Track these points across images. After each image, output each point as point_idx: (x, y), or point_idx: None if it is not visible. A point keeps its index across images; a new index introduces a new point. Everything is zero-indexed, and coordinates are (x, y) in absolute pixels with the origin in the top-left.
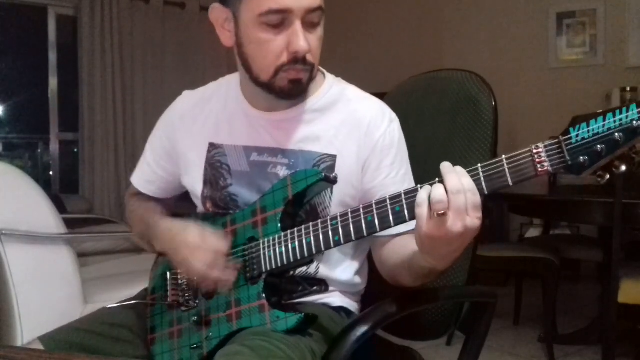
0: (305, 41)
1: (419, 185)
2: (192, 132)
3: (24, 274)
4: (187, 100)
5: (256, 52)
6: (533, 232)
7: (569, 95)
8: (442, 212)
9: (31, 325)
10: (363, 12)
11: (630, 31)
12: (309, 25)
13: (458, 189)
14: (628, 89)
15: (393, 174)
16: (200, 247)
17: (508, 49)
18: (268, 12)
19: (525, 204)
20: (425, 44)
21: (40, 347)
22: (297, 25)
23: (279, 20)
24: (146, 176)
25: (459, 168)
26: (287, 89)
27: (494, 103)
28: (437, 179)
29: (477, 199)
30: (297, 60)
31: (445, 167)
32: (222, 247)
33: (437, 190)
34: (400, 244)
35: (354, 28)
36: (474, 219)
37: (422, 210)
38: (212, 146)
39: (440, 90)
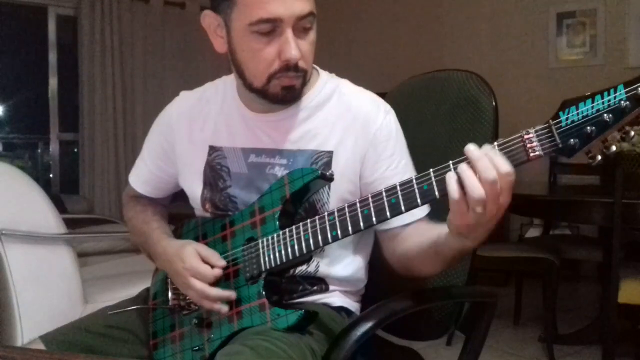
0: (297, 49)
1: (413, 176)
2: (191, 133)
3: (24, 274)
4: (184, 101)
5: (248, 59)
6: (533, 232)
7: (569, 95)
8: (481, 210)
9: (31, 325)
10: (363, 12)
11: (630, 31)
12: (300, 32)
13: (494, 179)
14: None
15: (393, 165)
16: (194, 276)
17: (508, 49)
18: (259, 21)
19: (525, 204)
20: (425, 44)
21: (41, 346)
22: (289, 33)
23: (270, 28)
24: (143, 176)
25: (486, 148)
26: (280, 96)
27: (494, 103)
28: (462, 159)
29: (512, 179)
30: (289, 67)
31: (473, 152)
32: (213, 274)
33: (475, 189)
34: (418, 233)
35: (355, 28)
36: (506, 198)
37: (460, 207)
38: (212, 149)
39: (440, 90)
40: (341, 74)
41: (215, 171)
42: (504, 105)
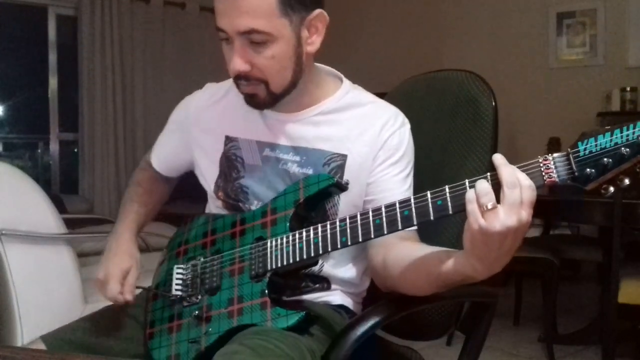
0: (238, 61)
1: (428, 192)
2: (209, 123)
3: (24, 274)
4: (205, 92)
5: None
6: (533, 232)
7: (569, 95)
8: (491, 206)
9: (31, 325)
10: (363, 12)
11: (630, 31)
12: (252, 45)
13: (513, 183)
14: (628, 89)
15: (395, 171)
16: (104, 280)
17: (508, 49)
18: (216, 28)
19: None
20: (425, 44)
21: (41, 346)
22: (235, 44)
23: (225, 36)
24: (161, 155)
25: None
26: (246, 101)
27: (494, 103)
28: (478, 178)
29: (534, 195)
30: (238, 77)
31: (498, 158)
32: (113, 295)
33: (481, 184)
34: (416, 247)
35: (354, 28)
36: (527, 213)
37: (473, 206)
38: (228, 139)
39: (440, 91)
40: (341, 73)
41: (230, 161)
42: (503, 105)
